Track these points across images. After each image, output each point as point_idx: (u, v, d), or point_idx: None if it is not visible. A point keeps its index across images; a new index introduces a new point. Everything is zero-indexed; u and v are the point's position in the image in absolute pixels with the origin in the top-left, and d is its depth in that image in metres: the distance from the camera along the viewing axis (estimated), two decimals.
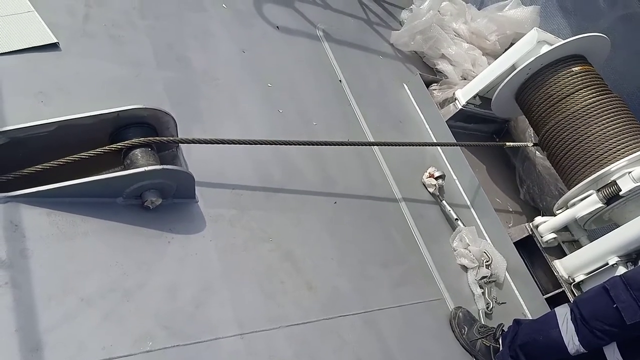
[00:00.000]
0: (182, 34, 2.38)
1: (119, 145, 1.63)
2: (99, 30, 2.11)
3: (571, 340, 1.97)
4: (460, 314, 2.31)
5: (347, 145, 2.52)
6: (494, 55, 3.80)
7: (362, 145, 2.68)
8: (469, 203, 3.00)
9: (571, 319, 2.00)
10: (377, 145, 2.75)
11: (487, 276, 2.57)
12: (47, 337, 1.32)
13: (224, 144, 1.93)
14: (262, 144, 2.04)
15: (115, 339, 1.42)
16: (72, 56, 1.95)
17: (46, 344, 1.31)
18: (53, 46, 1.91)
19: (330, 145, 2.34)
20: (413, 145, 2.83)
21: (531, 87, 3.04)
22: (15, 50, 1.81)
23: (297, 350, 1.75)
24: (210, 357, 1.55)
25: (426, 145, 3.06)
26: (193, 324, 1.58)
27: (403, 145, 2.74)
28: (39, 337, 1.31)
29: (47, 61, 1.87)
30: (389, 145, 2.72)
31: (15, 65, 1.78)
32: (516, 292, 2.76)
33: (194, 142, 1.87)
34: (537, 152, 3.57)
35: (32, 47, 1.85)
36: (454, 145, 3.08)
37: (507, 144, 3.26)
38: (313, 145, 2.27)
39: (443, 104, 3.48)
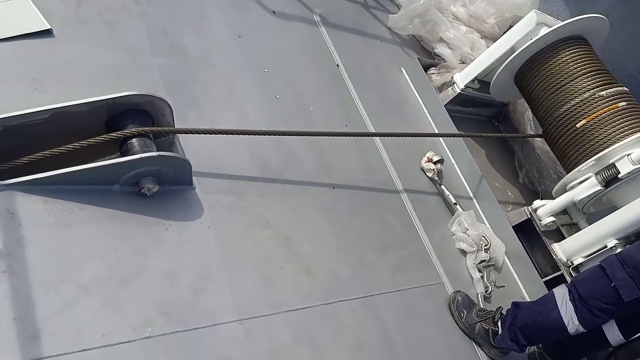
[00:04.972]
0: (176, 19, 2.36)
1: (114, 135, 1.62)
2: (93, 16, 2.08)
3: (570, 320, 1.99)
4: (459, 297, 2.32)
5: (345, 135, 2.50)
6: (492, 39, 3.76)
7: (361, 135, 2.66)
8: (467, 187, 2.99)
9: (569, 300, 2.01)
10: (377, 135, 2.74)
11: (485, 260, 2.58)
12: (46, 325, 1.32)
13: (221, 134, 1.92)
14: (259, 135, 2.02)
15: (115, 326, 1.42)
16: (66, 43, 1.92)
17: (44, 331, 1.31)
18: (46, 32, 1.89)
19: (328, 135, 2.33)
20: (414, 136, 2.82)
21: (530, 69, 3.01)
22: (8, 37, 1.79)
23: (297, 335, 1.76)
24: (210, 342, 1.56)
25: (430, 136, 3.05)
26: (192, 310, 1.58)
27: (404, 136, 2.72)
28: (37, 325, 1.31)
29: (41, 48, 1.85)
30: (389, 136, 2.70)
31: (8, 52, 1.77)
32: (515, 275, 2.77)
33: (190, 132, 1.86)
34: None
35: (25, 34, 1.83)
36: (456, 136, 3.06)
37: (510, 135, 3.22)
38: (311, 135, 2.25)
39: (441, 88, 3.45)
